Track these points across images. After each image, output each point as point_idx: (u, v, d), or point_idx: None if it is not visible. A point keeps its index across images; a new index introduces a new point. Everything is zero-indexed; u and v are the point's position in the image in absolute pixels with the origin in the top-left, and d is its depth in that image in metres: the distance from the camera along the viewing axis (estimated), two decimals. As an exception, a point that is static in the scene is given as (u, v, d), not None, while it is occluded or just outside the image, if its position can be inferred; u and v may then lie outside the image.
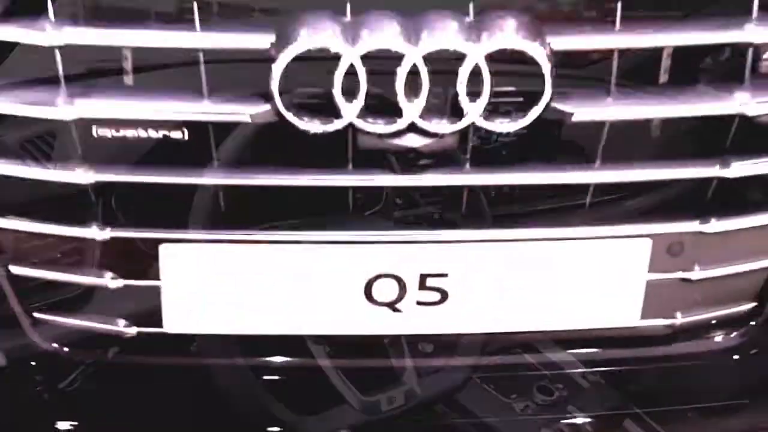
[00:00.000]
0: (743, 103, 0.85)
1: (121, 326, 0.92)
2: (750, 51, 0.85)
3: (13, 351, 0.98)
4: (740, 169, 0.88)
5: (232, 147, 0.85)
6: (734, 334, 1.03)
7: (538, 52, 0.75)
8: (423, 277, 0.88)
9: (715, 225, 0.91)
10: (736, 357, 1.04)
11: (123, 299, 0.92)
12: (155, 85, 0.87)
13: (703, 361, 1.06)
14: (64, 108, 0.80)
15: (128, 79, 0.86)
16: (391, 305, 0.90)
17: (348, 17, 0.78)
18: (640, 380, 1.06)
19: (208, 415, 0.99)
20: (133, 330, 0.92)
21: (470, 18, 0.78)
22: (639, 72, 0.92)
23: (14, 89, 0.84)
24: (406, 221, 1.00)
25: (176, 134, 0.85)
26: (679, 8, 0.97)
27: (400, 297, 0.89)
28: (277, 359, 0.98)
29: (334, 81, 0.76)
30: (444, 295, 0.89)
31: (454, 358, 0.99)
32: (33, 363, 0.99)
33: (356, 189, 0.89)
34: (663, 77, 0.90)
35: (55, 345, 0.98)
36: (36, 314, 0.95)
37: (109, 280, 0.89)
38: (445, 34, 0.75)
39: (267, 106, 0.79)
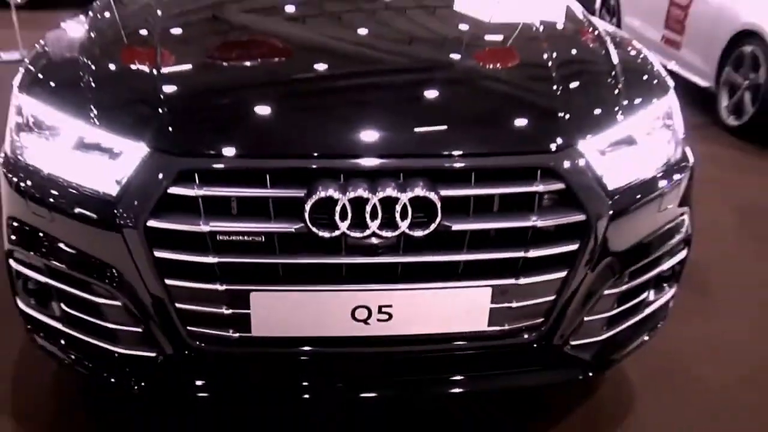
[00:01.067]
0: (534, 221, 1.60)
1: (230, 332, 1.66)
2: (536, 199, 1.60)
3: (176, 347, 1.69)
4: (534, 253, 1.61)
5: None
6: (533, 334, 1.74)
7: (433, 199, 1.52)
8: (380, 307, 1.60)
9: (522, 281, 1.62)
10: (534, 346, 1.75)
11: (231, 318, 1.63)
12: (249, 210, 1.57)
13: (517, 348, 1.75)
14: (201, 227, 1.54)
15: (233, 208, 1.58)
16: (364, 321, 1.62)
17: (342, 180, 1.52)
18: (483, 358, 1.76)
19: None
20: (236, 335, 1.66)
21: (401, 180, 1.53)
22: (488, 200, 1.61)
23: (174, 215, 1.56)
24: (372, 279, 1.59)
25: (258, 237, 1.58)
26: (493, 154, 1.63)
27: (369, 317, 1.61)
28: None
29: (335, 213, 1.51)
30: (390, 316, 1.62)
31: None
32: (187, 353, 1.68)
33: (347, 263, 1.58)
34: (495, 206, 1.61)
35: (198, 343, 1.67)
36: (188, 327, 1.65)
37: (225, 310, 1.62)
38: (391, 189, 1.50)
39: (302, 224, 1.53)
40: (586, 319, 1.78)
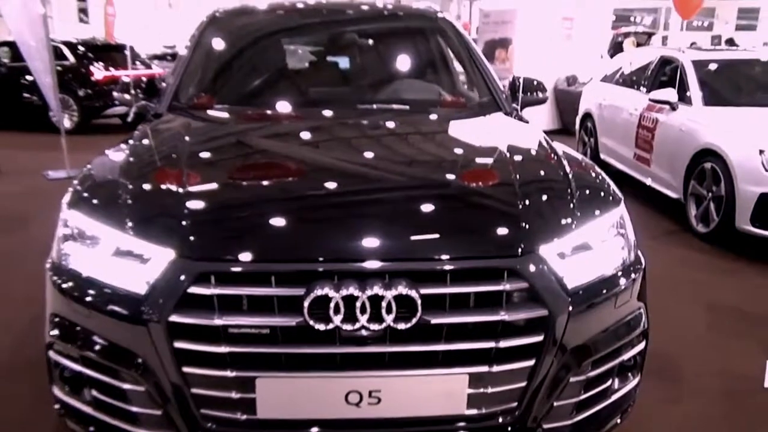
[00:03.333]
0: (503, 316, 1.71)
1: (238, 414, 1.74)
2: (503, 296, 1.73)
3: (191, 429, 1.75)
4: (504, 344, 1.71)
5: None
6: (509, 417, 1.80)
7: (414, 296, 1.65)
8: (370, 392, 1.69)
9: (495, 369, 1.72)
10: (509, 429, 1.81)
11: (239, 402, 1.72)
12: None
13: (494, 430, 1.80)
14: (215, 321, 1.67)
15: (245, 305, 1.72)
16: (357, 404, 1.70)
17: (335, 280, 1.66)
18: None
19: None
20: (243, 417, 1.74)
21: (386, 280, 1.67)
22: (462, 298, 1.72)
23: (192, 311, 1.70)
24: (363, 366, 1.69)
25: (264, 329, 1.70)
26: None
27: (360, 401, 1.70)
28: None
29: (330, 309, 1.64)
30: (379, 400, 1.70)
31: None
32: None
33: (341, 353, 1.68)
34: (471, 303, 1.72)
35: (210, 424, 1.74)
36: (202, 410, 1.74)
37: (234, 394, 1.72)
38: (377, 288, 1.62)
39: (301, 318, 1.65)
40: (555, 403, 1.85)
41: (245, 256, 1.72)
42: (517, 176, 2.10)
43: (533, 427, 1.84)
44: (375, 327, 1.66)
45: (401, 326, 1.67)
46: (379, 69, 3.50)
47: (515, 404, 1.80)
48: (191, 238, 1.77)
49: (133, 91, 3.20)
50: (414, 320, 1.66)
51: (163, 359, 1.69)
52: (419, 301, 1.66)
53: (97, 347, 1.81)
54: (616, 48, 16.62)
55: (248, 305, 1.69)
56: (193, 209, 1.88)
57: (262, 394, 1.70)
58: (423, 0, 4.33)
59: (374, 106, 3.01)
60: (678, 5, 8.18)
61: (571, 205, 2.00)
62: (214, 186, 2.10)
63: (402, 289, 1.65)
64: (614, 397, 2.01)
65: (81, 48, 10.80)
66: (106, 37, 13.58)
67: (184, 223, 1.81)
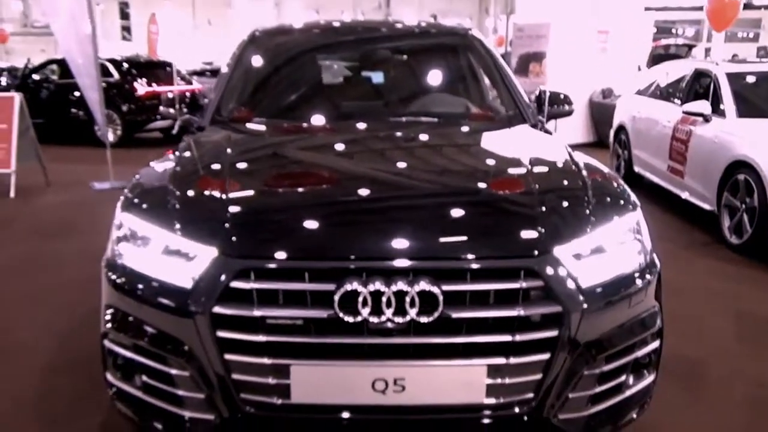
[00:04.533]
0: (519, 312, 1.85)
1: (274, 399, 1.90)
2: (520, 294, 1.87)
3: (231, 411, 1.92)
4: (520, 337, 1.84)
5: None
6: (525, 407, 1.92)
7: (436, 292, 1.81)
8: (395, 380, 1.84)
9: (512, 361, 1.85)
10: (526, 418, 1.93)
11: (275, 387, 1.88)
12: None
13: (511, 419, 1.93)
14: (254, 313, 1.85)
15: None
16: (382, 391, 1.85)
17: (363, 277, 1.82)
18: (482, 428, 1.94)
19: None
20: (279, 401, 1.91)
21: (410, 277, 1.83)
22: (481, 294, 1.88)
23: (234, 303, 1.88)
24: (388, 356, 1.83)
25: (298, 321, 1.87)
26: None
27: (386, 388, 1.84)
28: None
29: (359, 303, 1.81)
30: (403, 388, 1.85)
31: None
32: (239, 416, 1.91)
33: (368, 343, 1.84)
34: (491, 299, 1.87)
35: (248, 408, 1.91)
36: (241, 394, 1.90)
37: (270, 380, 1.88)
38: (402, 284, 1.78)
39: (332, 311, 1.82)
40: (570, 395, 1.97)
41: (282, 255, 1.90)
42: (537, 184, 2.25)
43: (548, 417, 1.97)
44: (399, 320, 1.82)
45: (424, 320, 1.82)
46: (410, 84, 3.68)
47: (531, 395, 1.93)
48: (233, 238, 1.95)
49: (177, 106, 3.43)
50: (436, 314, 1.82)
51: (207, 347, 1.88)
52: (441, 297, 1.81)
53: (148, 336, 2.00)
54: (654, 60, 16.54)
55: (284, 299, 1.86)
56: (234, 213, 2.07)
57: (296, 380, 1.87)
58: (454, 17, 4.50)
59: (404, 119, 3.19)
60: (712, 17, 8.19)
61: (587, 211, 2.13)
62: (253, 192, 2.29)
63: (425, 286, 1.81)
64: (629, 392, 2.12)
65: (125, 65, 11.28)
66: (149, 53, 14.11)
67: (226, 225, 2.00)
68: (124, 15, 36.34)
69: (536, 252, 1.93)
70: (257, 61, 3.62)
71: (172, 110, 3.48)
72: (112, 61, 11.21)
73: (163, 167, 2.53)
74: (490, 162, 2.67)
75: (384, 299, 1.81)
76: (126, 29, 36.19)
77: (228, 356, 1.88)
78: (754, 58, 18.51)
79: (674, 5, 33.00)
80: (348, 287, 1.81)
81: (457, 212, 2.12)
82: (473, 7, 40.19)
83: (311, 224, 2.04)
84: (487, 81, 3.61)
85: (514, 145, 2.84)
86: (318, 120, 3.18)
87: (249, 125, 3.16)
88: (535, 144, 2.87)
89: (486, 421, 1.94)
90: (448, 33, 3.92)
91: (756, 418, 2.86)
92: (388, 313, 1.81)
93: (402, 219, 2.08)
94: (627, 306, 2.05)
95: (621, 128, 8.08)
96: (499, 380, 1.89)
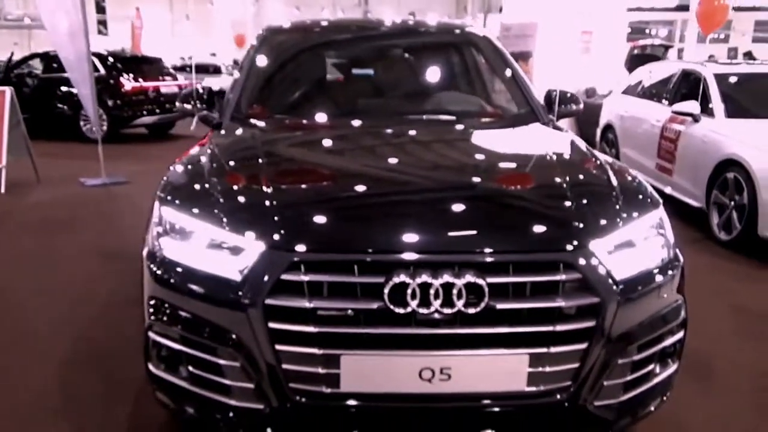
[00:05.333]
0: (560, 303, 1.94)
1: (322, 388, 1.95)
2: (560, 286, 1.97)
3: (281, 400, 1.96)
4: (560, 328, 1.92)
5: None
6: (563, 395, 2.00)
7: (482, 284, 1.88)
8: (441, 368, 1.90)
9: (552, 350, 1.93)
10: (564, 405, 2.01)
11: (324, 377, 1.93)
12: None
13: (550, 406, 2.01)
14: (306, 305, 1.90)
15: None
16: (429, 380, 1.91)
17: (411, 270, 1.88)
18: (523, 415, 2.02)
19: None
20: (328, 390, 1.96)
21: (456, 270, 1.90)
22: (523, 286, 1.95)
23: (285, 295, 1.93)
24: (435, 346, 1.88)
25: (348, 312, 1.91)
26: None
27: (432, 377, 1.91)
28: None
29: (407, 295, 1.87)
30: (449, 376, 1.91)
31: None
32: (289, 405, 1.96)
33: (416, 333, 1.90)
34: (528, 291, 1.95)
35: (298, 397, 1.95)
36: (291, 384, 1.95)
37: (320, 369, 1.92)
38: (449, 276, 1.85)
39: (381, 303, 1.88)
40: (605, 383, 2.06)
41: (331, 248, 1.96)
42: (568, 180, 2.33)
43: (585, 404, 2.05)
44: (446, 311, 1.88)
45: (471, 311, 1.88)
46: (425, 82, 3.76)
47: (569, 383, 2.01)
48: (283, 231, 2.00)
49: (194, 102, 3.43)
50: (482, 305, 1.88)
51: (259, 338, 1.92)
52: (486, 289, 1.88)
53: (196, 328, 2.03)
54: (632, 61, 16.81)
55: (333, 290, 1.91)
56: (282, 207, 2.11)
57: (346, 370, 1.92)
58: (432, 15, 4.58)
59: (424, 117, 3.26)
60: (701, 19, 8.40)
61: (617, 206, 2.22)
62: (298, 187, 2.35)
63: (471, 278, 1.87)
64: (656, 380, 2.22)
65: (111, 59, 11.15)
66: (132, 48, 13.95)
67: (275, 219, 2.04)
68: (100, 9, 35.83)
69: (574, 246, 2.00)
70: (275, 59, 3.66)
71: (188, 106, 3.48)
72: (98, 55, 11.07)
73: (197, 163, 2.56)
74: (521, 159, 2.75)
75: (432, 291, 1.87)
76: (102, 23, 35.63)
77: (279, 347, 1.92)
78: (724, 59, 18.92)
79: (647, 6, 33.51)
80: (397, 279, 1.86)
81: (498, 207, 2.20)
82: (451, 5, 40.39)
83: (359, 218, 2.10)
84: (498, 80, 3.69)
85: (538, 142, 2.92)
86: (340, 118, 3.24)
87: (274, 122, 3.20)
88: (555, 142, 2.95)
89: (527, 408, 2.01)
90: (460, 32, 4.00)
91: (762, 405, 2.98)
92: (436, 304, 1.87)
93: (446, 213, 2.14)
94: (655, 298, 2.14)
95: (608, 127, 8.24)
96: (539, 369, 1.96)
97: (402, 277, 1.87)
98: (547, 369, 1.97)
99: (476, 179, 2.50)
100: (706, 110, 6.05)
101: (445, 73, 3.83)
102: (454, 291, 1.87)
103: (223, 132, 3.04)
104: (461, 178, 2.47)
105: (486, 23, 21.99)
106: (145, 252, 2.24)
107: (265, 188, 2.21)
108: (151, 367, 2.19)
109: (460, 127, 3.16)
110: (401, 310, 1.87)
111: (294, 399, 1.96)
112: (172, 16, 32.86)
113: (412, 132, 3.03)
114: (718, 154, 5.60)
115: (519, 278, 1.94)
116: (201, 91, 3.40)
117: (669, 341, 2.22)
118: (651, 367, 2.19)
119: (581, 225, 2.08)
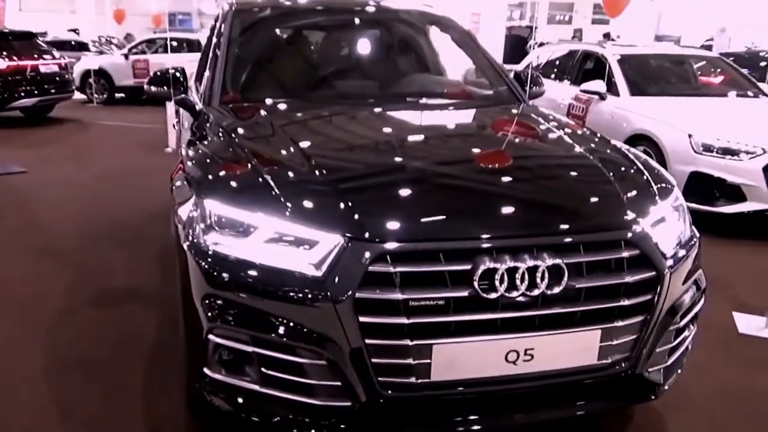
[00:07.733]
0: (626, 278, 1.98)
1: (412, 379, 1.90)
2: (624, 263, 2.04)
3: (369, 395, 1.88)
4: (627, 302, 2.00)
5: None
6: (625, 364, 2.08)
7: (563, 265, 1.90)
8: (525, 350, 1.91)
9: (619, 324, 2.00)
10: (626, 374, 2.08)
11: (415, 367, 1.87)
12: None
13: (615, 376, 2.07)
14: (398, 296, 1.82)
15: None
16: (513, 362, 1.92)
17: (494, 254, 1.86)
18: (595, 386, 2.08)
19: None
20: (418, 380, 1.89)
21: (535, 253, 1.90)
22: (594, 265, 1.99)
23: None
24: (519, 328, 1.89)
25: (438, 301, 1.85)
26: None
27: (516, 359, 1.92)
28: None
29: (496, 280, 1.85)
30: (532, 357, 1.93)
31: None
32: (382, 401, 1.88)
33: (502, 318, 1.90)
34: (598, 269, 2.03)
35: (387, 390, 1.87)
36: (380, 378, 1.87)
37: (411, 361, 1.86)
38: (534, 260, 1.87)
39: (471, 289, 1.84)
40: (657, 350, 2.16)
41: (417, 237, 1.89)
42: (609, 169, 2.38)
43: (642, 372, 2.14)
44: (532, 293, 1.88)
45: (554, 291, 1.90)
46: (409, 66, 3.82)
47: (629, 353, 2.09)
48: (366, 222, 1.89)
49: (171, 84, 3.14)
50: (562, 286, 1.90)
51: (349, 333, 1.82)
52: (566, 270, 1.90)
53: (270, 327, 1.88)
54: (505, 41, 17.54)
55: (422, 280, 1.85)
56: (357, 196, 2.01)
57: (437, 359, 1.87)
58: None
59: (423, 100, 3.28)
60: (607, 3, 8.89)
61: (651, 186, 2.32)
62: (364, 174, 2.28)
63: (553, 260, 1.88)
64: (687, 342, 2.36)
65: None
66: (-4, 23, 12.52)
67: (354, 208, 1.93)
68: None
69: (631, 224, 2.07)
70: (257, 39, 3.42)
71: (157, 89, 3.18)
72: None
73: (227, 150, 2.39)
74: (554, 141, 2.81)
75: (518, 275, 1.86)
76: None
77: (368, 340, 1.83)
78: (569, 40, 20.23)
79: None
80: (486, 266, 1.84)
81: (562, 188, 2.23)
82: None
83: (439, 205, 2.03)
84: (471, 60, 3.72)
85: (545, 124, 2.98)
86: (348, 99, 3.19)
87: (281, 105, 3.07)
88: (557, 122, 3.01)
89: (596, 380, 2.07)
90: (432, 16, 3.98)
91: (715, 354, 3.26)
92: (522, 287, 1.87)
93: (519, 197, 2.14)
94: (689, 267, 2.27)
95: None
96: (607, 342, 2.02)
97: (489, 263, 1.84)
98: (614, 342, 2.03)
99: (528, 162, 2.51)
100: (611, 89, 6.45)
101: (415, 57, 3.86)
102: (538, 273, 1.87)
103: (225, 117, 2.81)
104: (516, 161, 2.45)
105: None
106: (191, 251, 2.02)
107: (327, 176, 2.08)
108: (207, 371, 2.00)
109: (471, 109, 3.19)
110: (492, 296, 1.85)
111: (384, 393, 1.89)
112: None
113: (441, 115, 3.03)
114: (628, 129, 5.99)
115: (591, 257, 1.97)
116: (177, 74, 3.11)
117: (697, 307, 2.36)
118: (686, 332, 2.33)
119: (633, 204, 2.15)
